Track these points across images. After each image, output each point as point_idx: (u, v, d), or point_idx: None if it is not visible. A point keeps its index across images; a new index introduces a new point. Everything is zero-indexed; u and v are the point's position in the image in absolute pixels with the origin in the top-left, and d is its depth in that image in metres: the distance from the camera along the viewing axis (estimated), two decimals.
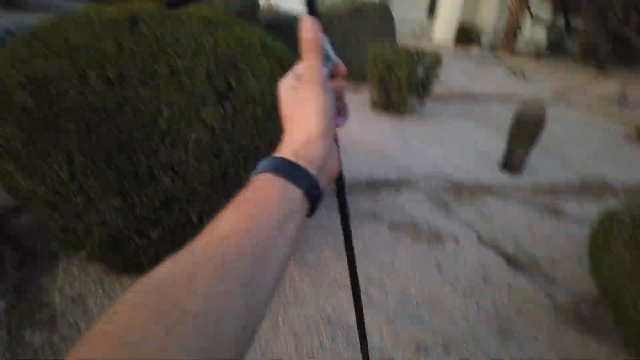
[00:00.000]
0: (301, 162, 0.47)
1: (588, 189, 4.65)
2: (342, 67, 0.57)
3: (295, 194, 0.45)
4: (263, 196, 0.44)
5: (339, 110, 0.56)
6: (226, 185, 2.06)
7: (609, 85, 10.14)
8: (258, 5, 7.04)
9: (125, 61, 1.96)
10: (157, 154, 1.92)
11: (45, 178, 1.91)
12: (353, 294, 0.75)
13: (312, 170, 0.47)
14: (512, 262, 3.16)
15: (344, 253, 0.71)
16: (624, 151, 6.27)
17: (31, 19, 2.91)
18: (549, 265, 3.19)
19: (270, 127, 2.18)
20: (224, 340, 0.33)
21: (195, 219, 2.01)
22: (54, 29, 2.06)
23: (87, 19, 2.10)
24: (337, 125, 0.55)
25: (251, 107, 2.13)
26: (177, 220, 2.01)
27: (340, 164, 0.56)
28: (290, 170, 0.46)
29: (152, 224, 1.98)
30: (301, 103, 0.51)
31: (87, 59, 1.93)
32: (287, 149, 0.49)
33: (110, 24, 2.07)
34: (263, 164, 0.48)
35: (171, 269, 0.36)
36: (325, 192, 0.51)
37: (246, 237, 0.40)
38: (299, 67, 0.54)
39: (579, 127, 6.95)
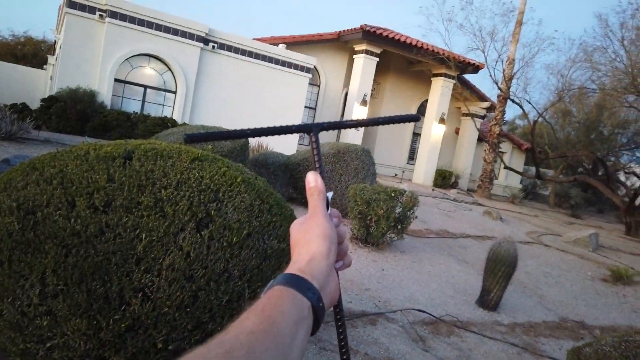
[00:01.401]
0: (307, 277, 0.55)
1: (565, 328, 4.63)
2: (337, 213, 0.67)
3: (303, 302, 0.52)
4: (279, 303, 0.52)
5: (340, 254, 0.66)
6: (195, 311, 2.09)
7: (582, 230, 10.58)
8: (247, 145, 7.61)
9: (113, 191, 2.14)
10: (131, 277, 1.98)
11: (15, 299, 1.94)
12: None
13: (315, 284, 0.55)
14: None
15: None
16: (600, 292, 6.35)
17: (34, 152, 3.16)
18: None
19: (244, 255, 2.29)
20: None
21: (160, 344, 2.00)
22: (51, 161, 2.27)
23: (84, 153, 2.33)
24: (337, 268, 0.65)
25: (227, 234, 2.26)
26: (142, 346, 1.99)
27: (339, 290, 0.64)
28: (297, 283, 0.54)
29: (115, 349, 1.95)
30: (307, 231, 0.61)
31: (78, 188, 2.10)
32: (293, 266, 0.58)
33: (105, 158, 2.30)
34: (274, 280, 0.56)
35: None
36: (327, 312, 0.58)
37: (270, 334, 0.46)
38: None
39: (555, 268, 7.11)
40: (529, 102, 16.57)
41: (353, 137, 15.68)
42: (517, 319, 4.70)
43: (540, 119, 15.98)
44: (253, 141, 9.99)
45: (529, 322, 4.70)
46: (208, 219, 2.24)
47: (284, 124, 0.73)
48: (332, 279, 0.61)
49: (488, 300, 4.78)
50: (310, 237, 0.61)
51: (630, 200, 13.07)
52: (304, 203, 7.43)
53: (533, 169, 17.41)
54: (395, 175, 18.54)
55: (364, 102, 16.18)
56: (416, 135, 19.32)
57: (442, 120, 17.45)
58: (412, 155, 19.59)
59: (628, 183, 18.20)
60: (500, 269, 4.67)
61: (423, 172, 17.52)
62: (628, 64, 12.72)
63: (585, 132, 19.68)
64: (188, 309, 2.03)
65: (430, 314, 4.25)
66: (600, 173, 17.97)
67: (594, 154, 15.54)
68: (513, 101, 16.19)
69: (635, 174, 17.38)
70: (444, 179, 17.60)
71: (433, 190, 15.31)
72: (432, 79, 17.69)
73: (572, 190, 18.00)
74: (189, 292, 2.05)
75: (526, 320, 4.73)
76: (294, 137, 13.96)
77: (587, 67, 14.74)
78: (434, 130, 17.43)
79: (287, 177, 8.01)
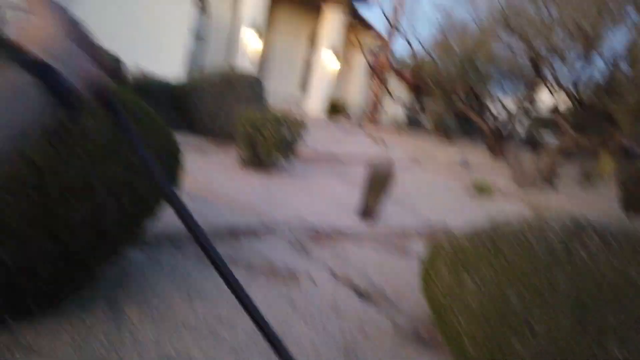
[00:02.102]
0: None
1: (432, 232, 5.20)
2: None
3: None
4: None
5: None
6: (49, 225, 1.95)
7: (453, 152, 11.66)
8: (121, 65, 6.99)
9: None
10: None
11: None
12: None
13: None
14: (363, 295, 3.36)
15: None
16: (464, 203, 7.18)
17: None
18: (394, 296, 3.45)
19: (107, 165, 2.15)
20: None
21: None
22: None
23: None
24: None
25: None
26: None
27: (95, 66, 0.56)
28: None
29: None
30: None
31: None
32: None
33: None
34: None
35: None
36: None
37: None
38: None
39: (428, 185, 7.83)
40: (416, 39, 17.26)
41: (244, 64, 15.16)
42: (392, 227, 5.16)
43: (424, 55, 16.80)
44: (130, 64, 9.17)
45: (402, 228, 5.19)
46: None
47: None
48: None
49: (367, 212, 5.15)
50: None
51: (496, 128, 14.62)
52: (187, 128, 7.15)
53: (417, 101, 18.53)
54: (288, 103, 18.54)
55: (259, 33, 15.55)
56: (309, 66, 19.27)
57: (333, 51, 17.53)
58: (304, 85, 19.61)
59: (495, 113, 20.21)
60: (378, 184, 5.02)
61: (315, 102, 17.72)
62: (503, 3, 13.67)
63: (464, 67, 21.20)
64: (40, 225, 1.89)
65: (314, 227, 4.48)
66: (473, 104, 19.71)
67: (470, 86, 16.90)
68: (401, 36, 16.74)
69: (502, 105, 19.36)
70: (335, 109, 18.01)
71: (324, 119, 15.65)
72: (323, 7, 17.47)
73: (448, 120, 19.56)
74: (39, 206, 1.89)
75: (400, 228, 5.21)
76: (179, 61, 13.04)
77: (468, 5, 15.59)
78: (325, 61, 17.50)
79: (171, 104, 7.59)
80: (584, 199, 9.30)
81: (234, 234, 3.87)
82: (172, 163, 2.70)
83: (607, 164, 13.57)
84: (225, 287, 0.65)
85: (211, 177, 5.43)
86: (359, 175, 7.29)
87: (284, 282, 3.20)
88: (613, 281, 1.99)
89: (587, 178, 11.42)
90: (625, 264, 2.01)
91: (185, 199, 3.19)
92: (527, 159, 9.63)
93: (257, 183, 5.62)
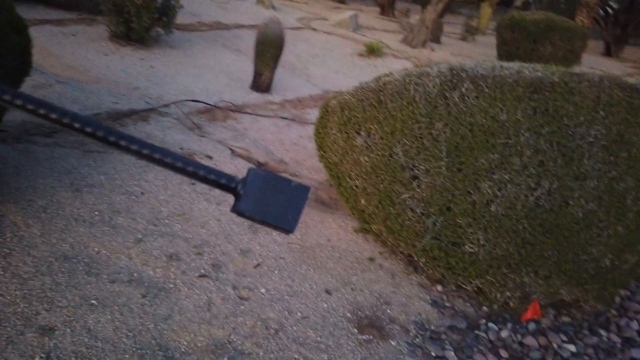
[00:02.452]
0: None
1: (326, 97, 5.24)
2: None
3: None
4: None
5: None
6: None
7: (344, 13, 11.34)
8: None
9: None
10: None
11: None
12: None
13: None
14: (263, 167, 3.40)
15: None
16: (357, 65, 7.22)
17: None
18: (294, 164, 3.54)
19: None
20: None
21: None
22: None
23: None
24: None
25: None
26: None
27: None
28: None
29: None
30: None
31: None
32: None
33: None
34: None
35: None
36: None
37: None
38: None
39: (321, 49, 7.67)
40: None
41: None
42: (287, 96, 5.10)
43: None
44: None
45: (297, 97, 5.15)
46: None
47: None
48: None
49: (260, 82, 4.98)
50: None
51: None
52: (43, 2, 6.05)
53: None
54: None
55: None
56: None
57: None
58: None
59: None
60: (268, 50, 4.78)
61: None
62: None
63: None
64: None
65: (206, 103, 4.27)
66: None
67: None
68: None
69: None
70: None
71: None
72: None
73: None
74: None
75: (295, 96, 5.17)
76: None
77: None
78: None
79: None
80: (466, 51, 9.82)
81: (116, 117, 3.56)
82: (16, 40, 2.28)
83: (487, 16, 14.21)
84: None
85: (80, 57, 4.79)
86: (247, 43, 6.88)
87: None
88: (485, 124, 2.18)
89: (470, 31, 11.95)
90: (494, 107, 2.19)
91: (52, 83, 2.84)
92: (417, 19, 9.63)
93: (135, 59, 5.08)
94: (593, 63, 10.73)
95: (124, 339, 1.74)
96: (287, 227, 0.55)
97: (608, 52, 13.63)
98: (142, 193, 2.67)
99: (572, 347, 2.16)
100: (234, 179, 0.57)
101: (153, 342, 1.75)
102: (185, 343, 1.78)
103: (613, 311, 2.44)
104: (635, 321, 2.37)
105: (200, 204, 2.71)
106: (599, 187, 2.12)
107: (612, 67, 10.96)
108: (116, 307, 1.87)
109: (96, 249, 2.15)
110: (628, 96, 2.18)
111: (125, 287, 1.98)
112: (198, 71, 5.21)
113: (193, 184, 2.89)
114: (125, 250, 2.19)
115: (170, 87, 4.52)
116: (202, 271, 2.18)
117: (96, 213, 2.40)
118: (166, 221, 2.47)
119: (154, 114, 3.81)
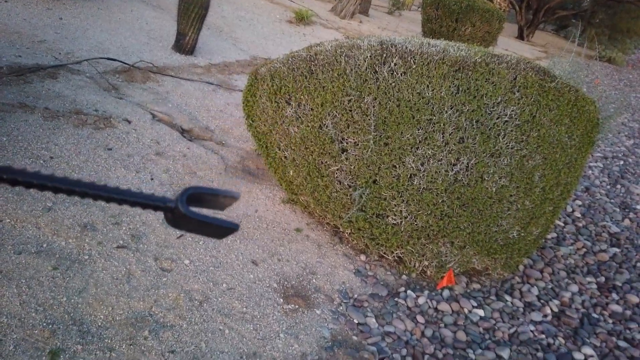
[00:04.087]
0: None
1: (255, 64, 5.09)
2: None
3: None
4: None
5: None
6: None
7: None
8: None
9: None
10: None
11: None
12: None
13: None
14: (187, 134, 3.26)
15: None
16: (286, 32, 7.07)
17: None
18: (221, 133, 3.42)
19: None
20: None
21: None
22: None
23: None
24: None
25: None
26: None
27: None
28: None
29: None
30: None
31: None
32: None
33: None
34: None
35: None
36: None
37: None
38: None
39: (249, 13, 7.40)
40: None
41: None
42: (213, 60, 4.88)
43: None
44: None
45: (224, 62, 4.95)
46: None
47: None
48: None
49: (184, 44, 4.71)
50: None
51: None
52: None
53: None
54: None
55: None
56: None
57: None
58: None
59: None
60: (193, 9, 4.51)
61: None
62: None
63: None
64: None
65: (123, 62, 3.96)
66: None
67: None
68: None
69: None
70: None
71: None
72: None
73: None
74: None
75: (221, 61, 4.96)
76: None
77: None
78: None
79: None
80: (393, 25, 9.99)
81: (20, 72, 3.20)
82: None
83: None
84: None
85: None
86: (172, 3, 6.46)
87: (95, 128, 2.87)
88: (411, 100, 2.24)
89: (396, 5, 12.13)
90: (421, 84, 2.25)
91: None
92: None
93: (41, 9, 4.56)
94: (507, 45, 11.42)
95: (33, 314, 1.61)
96: (232, 226, 0.51)
97: (521, 36, 14.57)
98: (51, 157, 2.45)
99: (480, 312, 2.35)
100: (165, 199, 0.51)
101: (66, 316, 1.64)
102: (102, 317, 1.69)
103: (517, 278, 2.68)
104: (535, 287, 2.62)
105: (117, 171, 2.54)
106: (511, 164, 2.28)
107: (524, 50, 11.74)
108: (23, 280, 1.72)
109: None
110: (540, 79, 2.33)
111: (34, 258, 1.82)
112: (114, 27, 4.81)
113: (110, 149, 2.70)
114: (32, 220, 2.00)
115: (82, 43, 4.13)
116: (121, 242, 2.06)
117: None
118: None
119: (64, 71, 3.47)
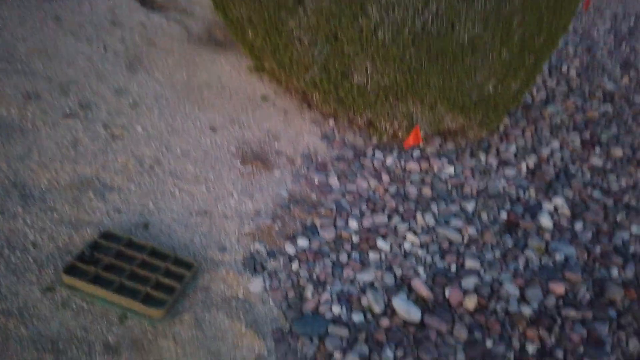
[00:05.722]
0: None
1: None
2: None
3: None
4: None
5: None
6: None
7: None
8: None
9: None
10: None
11: None
12: None
13: None
14: (147, 3, 3.01)
15: None
16: None
17: None
18: (186, 2, 3.16)
19: None
20: None
21: None
22: None
23: None
24: None
25: None
26: None
27: None
28: None
29: None
30: None
31: None
32: None
33: None
34: None
35: None
36: None
37: None
38: None
39: None
40: None
41: None
42: None
43: None
44: None
45: None
46: None
47: None
48: None
49: None
50: None
51: None
52: None
53: None
54: None
55: None
56: None
57: None
58: None
59: None
60: None
61: None
62: None
63: None
64: None
65: None
66: None
67: None
68: None
69: None
70: None
71: None
72: None
73: None
74: None
75: None
76: None
77: None
78: None
79: None
80: None
81: None
82: None
83: None
84: None
85: None
86: None
87: None
88: None
89: None
90: None
91: None
92: None
93: None
94: None
95: None
96: None
97: None
98: None
99: (451, 170, 2.28)
100: None
101: (6, 181, 1.63)
102: (45, 181, 1.67)
103: (496, 138, 2.57)
104: (514, 145, 2.51)
105: (67, 41, 2.39)
106: (485, 9, 2.05)
107: None
108: None
109: None
110: None
111: None
112: None
113: (59, 19, 2.52)
114: None
115: None
116: (68, 111, 1.98)
117: None
118: (23, 58, 2.17)
119: None
